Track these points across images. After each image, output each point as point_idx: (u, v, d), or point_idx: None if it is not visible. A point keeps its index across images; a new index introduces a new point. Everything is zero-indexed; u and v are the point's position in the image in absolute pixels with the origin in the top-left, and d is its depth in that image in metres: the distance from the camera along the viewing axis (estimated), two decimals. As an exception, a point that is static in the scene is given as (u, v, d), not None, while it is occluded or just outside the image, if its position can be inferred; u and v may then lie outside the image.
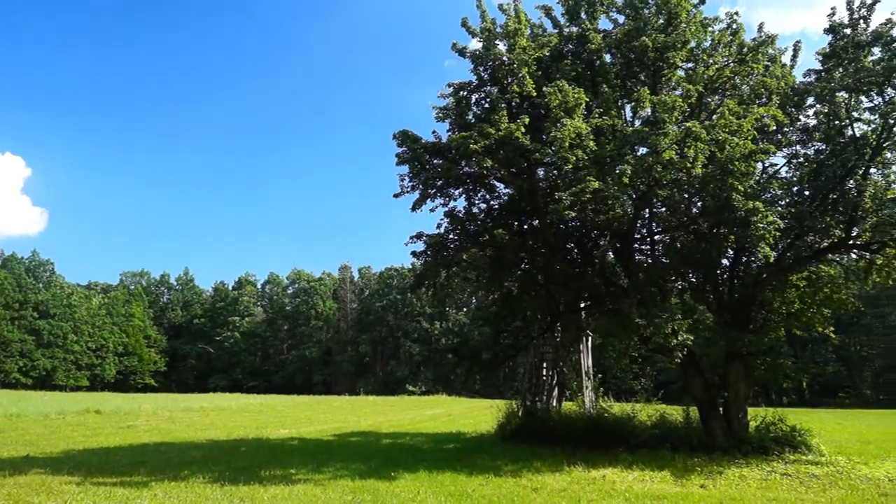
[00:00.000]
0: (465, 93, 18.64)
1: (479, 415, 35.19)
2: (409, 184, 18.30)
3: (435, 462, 16.62)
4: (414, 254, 19.11)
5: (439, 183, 18.19)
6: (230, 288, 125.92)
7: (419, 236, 18.70)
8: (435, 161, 18.23)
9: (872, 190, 17.64)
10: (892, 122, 17.68)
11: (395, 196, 18.52)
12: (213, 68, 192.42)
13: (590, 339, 25.44)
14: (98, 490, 12.23)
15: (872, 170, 18.27)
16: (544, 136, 16.60)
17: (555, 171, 16.62)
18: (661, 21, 18.32)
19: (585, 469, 15.42)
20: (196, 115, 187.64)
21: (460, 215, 18.97)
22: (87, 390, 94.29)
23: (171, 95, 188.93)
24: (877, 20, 17.66)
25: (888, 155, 18.27)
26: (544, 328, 22.91)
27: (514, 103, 17.71)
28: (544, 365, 24.26)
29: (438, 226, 19.18)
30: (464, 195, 19.44)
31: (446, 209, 18.91)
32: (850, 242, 18.68)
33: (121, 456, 17.73)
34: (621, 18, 19.20)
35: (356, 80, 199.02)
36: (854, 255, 20.50)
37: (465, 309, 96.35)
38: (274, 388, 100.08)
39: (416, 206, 17.59)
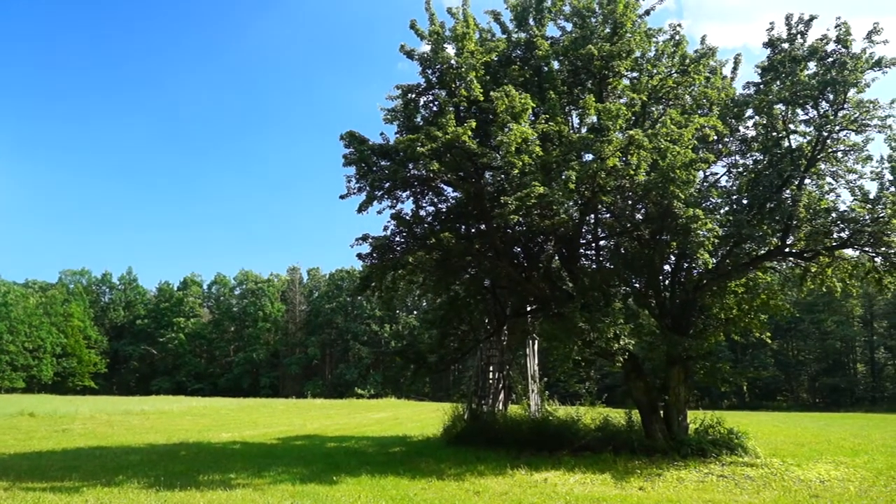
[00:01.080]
0: (414, 95, 18.60)
1: (426, 418, 35.16)
2: (356, 185, 18.17)
3: (378, 466, 16.52)
4: (359, 256, 18.97)
5: (386, 185, 18.10)
6: (175, 288, 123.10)
7: (365, 238, 18.58)
8: (382, 163, 18.14)
9: (807, 200, 18.23)
10: (825, 134, 18.33)
11: (342, 197, 18.37)
12: (156, 60, 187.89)
13: (536, 342, 25.67)
14: (27, 496, 11.80)
15: (807, 180, 18.91)
16: (491, 141, 16.67)
17: (502, 176, 16.69)
18: (608, 30, 18.60)
19: (528, 472, 15.53)
20: (143, 109, 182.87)
21: (407, 218, 18.91)
22: (22, 392, 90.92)
23: (115, 87, 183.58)
24: (813, 36, 18.29)
25: (822, 166, 18.93)
26: (491, 332, 23.03)
27: (461, 107, 17.75)
28: (491, 368, 24.38)
29: (385, 228, 19.12)
30: (411, 198, 19.43)
31: (393, 211, 18.84)
32: (786, 250, 19.28)
33: (53, 460, 17.15)
34: (569, 26, 19.44)
35: (308, 80, 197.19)
36: (790, 263, 21.13)
37: (415, 312, 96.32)
38: (219, 391, 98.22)
39: (363, 207, 17.47)
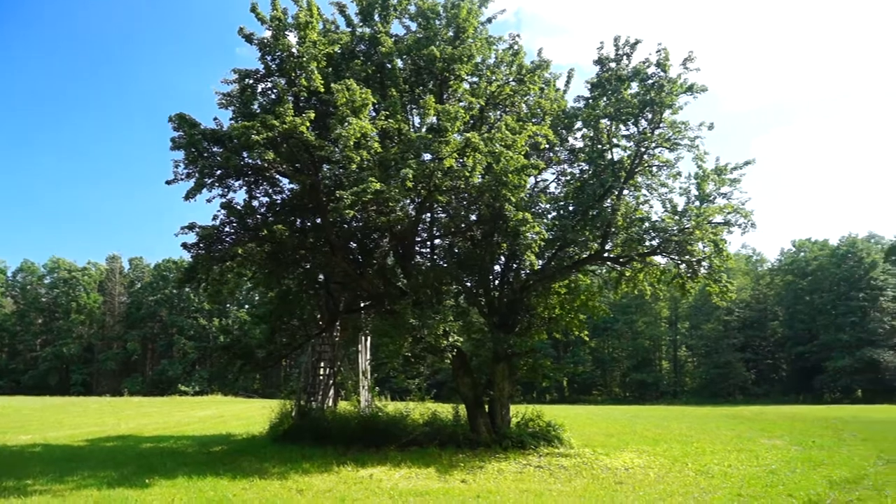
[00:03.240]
0: (252, 81, 17.94)
1: (253, 416, 33.95)
2: (185, 171, 17.19)
3: (197, 467, 15.71)
4: (185, 246, 17.94)
5: (218, 172, 17.32)
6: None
7: (192, 227, 17.58)
8: (214, 149, 17.31)
9: (624, 209, 19.68)
10: (643, 150, 19.84)
11: (168, 183, 17.31)
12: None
13: (368, 338, 25.63)
14: None
15: (625, 191, 20.36)
16: (330, 134, 16.42)
17: (339, 170, 16.50)
18: (451, 34, 18.98)
19: (354, 468, 15.46)
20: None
21: (239, 208, 18.17)
22: None
23: None
24: (637, 58, 19.72)
25: (639, 179, 20.47)
26: (323, 327, 22.70)
27: (301, 97, 17.36)
28: (321, 364, 24.02)
29: (214, 217, 18.24)
30: (244, 187, 18.70)
31: (224, 200, 18.03)
32: (605, 255, 20.67)
33: None
34: (413, 26, 19.62)
35: (137, 61, 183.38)
36: (607, 267, 22.67)
37: (246, 306, 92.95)
38: (23, 388, 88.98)
39: (191, 194, 16.55)
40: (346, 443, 19.23)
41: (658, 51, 19.36)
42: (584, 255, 20.69)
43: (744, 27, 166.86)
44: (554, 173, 21.86)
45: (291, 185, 19.31)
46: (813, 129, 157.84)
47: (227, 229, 18.39)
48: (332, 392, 24.20)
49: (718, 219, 19.61)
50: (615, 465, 16.43)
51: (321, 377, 24.00)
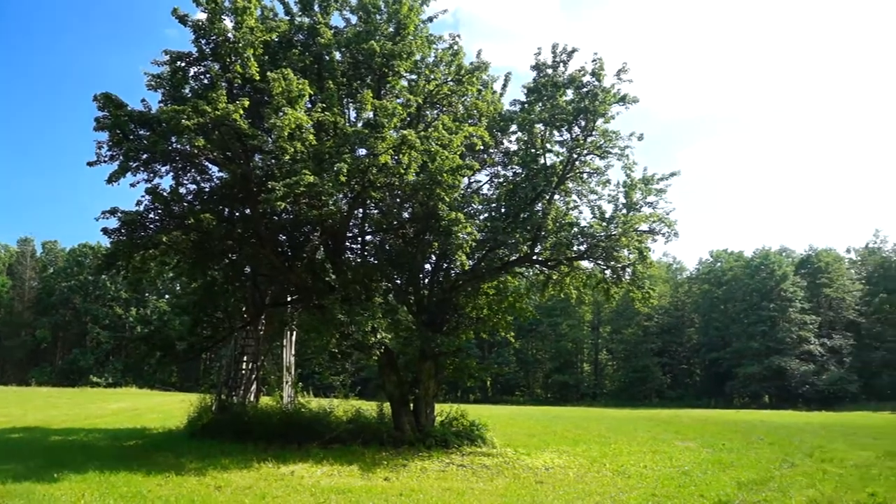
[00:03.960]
0: (184, 64, 17.35)
1: (170, 409, 32.89)
2: (108, 153, 16.55)
3: (109, 461, 15.12)
4: (105, 231, 17.24)
5: (144, 156, 16.70)
6: None
7: (113, 212, 16.92)
8: (141, 132, 16.71)
9: (554, 214, 20.04)
10: (575, 156, 20.25)
11: (90, 164, 16.63)
12: None
13: (294, 333, 25.25)
14: None
15: (556, 196, 20.73)
16: (264, 123, 16.12)
17: (272, 160, 16.20)
18: (391, 29, 18.90)
19: (275, 465, 15.21)
20: None
21: (164, 194, 17.57)
22: None
23: None
24: (574, 66, 20.10)
25: (569, 185, 20.88)
26: (248, 320, 22.23)
27: (235, 84, 16.95)
28: (244, 358, 23.51)
29: (138, 203, 17.57)
30: (171, 173, 18.11)
31: (149, 186, 17.42)
32: (534, 258, 20.99)
33: None
34: (354, 19, 19.45)
35: (58, 36, 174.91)
36: (536, 270, 23.02)
37: (167, 296, 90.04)
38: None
39: (114, 178, 15.91)
40: (268, 439, 18.87)
41: (594, 60, 19.77)
42: (514, 258, 20.95)
43: (675, 41, 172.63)
44: (488, 175, 22.08)
45: (221, 174, 18.84)
46: (734, 143, 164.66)
47: (151, 216, 17.79)
48: (254, 387, 23.73)
49: (644, 227, 20.18)
50: (536, 464, 16.71)
51: (243, 371, 23.50)
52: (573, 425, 30.16)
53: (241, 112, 15.34)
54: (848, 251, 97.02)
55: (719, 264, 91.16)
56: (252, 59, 16.19)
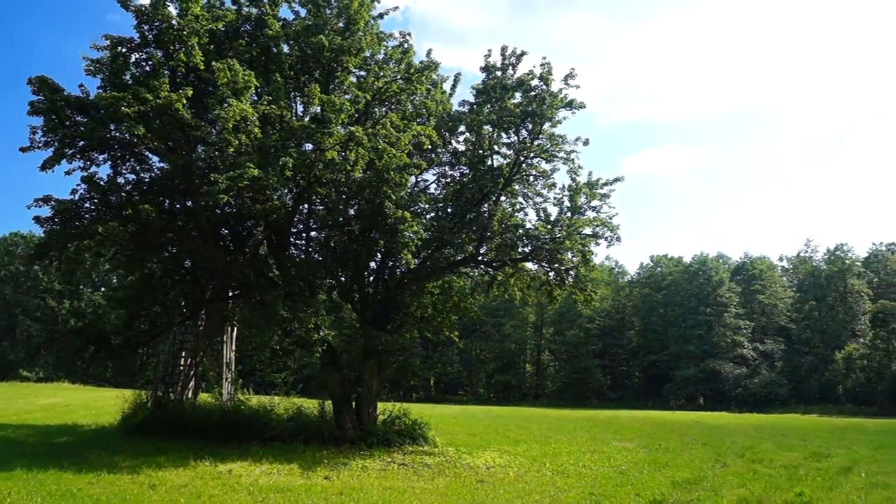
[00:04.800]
0: (125, 49, 16.84)
1: (103, 405, 31.88)
2: (43, 139, 15.98)
3: (38, 458, 14.55)
4: (37, 220, 16.61)
5: (81, 144, 16.19)
6: None
7: (46, 200, 16.32)
8: (78, 118, 16.20)
9: (500, 215, 20.22)
10: (522, 159, 20.45)
11: (23, 150, 16.04)
12: None
13: (235, 329, 24.78)
14: None
15: (503, 197, 20.90)
16: (208, 114, 15.79)
17: (215, 152, 15.88)
18: (341, 24, 18.71)
19: (213, 463, 14.90)
20: None
21: (102, 183, 17.04)
22: None
23: None
24: (522, 69, 20.26)
25: (516, 187, 21.09)
26: (187, 315, 21.71)
27: (179, 72, 16.56)
28: (183, 354, 22.96)
29: (73, 192, 16.98)
30: (109, 162, 17.55)
31: (86, 174, 16.86)
32: (479, 258, 21.13)
33: None
34: (303, 12, 19.18)
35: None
36: (481, 270, 23.16)
37: (102, 289, 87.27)
38: None
39: (48, 165, 15.38)
40: (206, 437, 18.48)
41: (542, 65, 19.99)
42: (460, 258, 21.05)
43: (622, 49, 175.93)
44: (435, 174, 22.07)
45: (162, 164, 18.34)
46: (677, 151, 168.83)
47: (86, 205, 17.22)
48: (192, 383, 23.21)
49: (587, 231, 20.55)
50: (477, 463, 16.78)
51: (182, 367, 22.95)
52: (515, 425, 30.43)
53: (185, 101, 15.03)
54: (781, 259, 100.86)
55: (659, 269, 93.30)
56: (197, 48, 15.85)
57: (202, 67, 15.86)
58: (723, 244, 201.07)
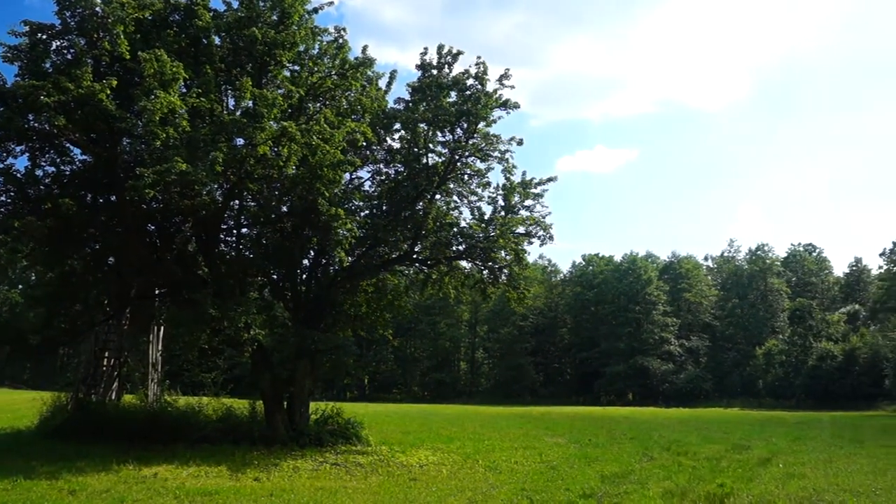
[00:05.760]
0: (45, 36, 16.10)
1: (19, 408, 30.44)
2: (-45, 129, 15.13)
3: (-54, 465, 13.83)
4: (-53, 213, 15.78)
5: (-4, 134, 15.41)
6: None
7: (-43, 194, 15.54)
8: (-7, 107, 15.39)
9: (435, 213, 20.27)
10: (457, 157, 20.55)
11: (-67, 140, 15.16)
12: None
13: (162, 328, 24.04)
14: None
15: (437, 196, 20.95)
16: (134, 106, 15.24)
17: (142, 145, 15.38)
18: (275, 17, 18.32)
19: (137, 467, 14.42)
20: None
21: (18, 176, 16.28)
22: None
23: None
24: (458, 68, 20.36)
25: (451, 185, 21.17)
26: (111, 314, 20.95)
27: (103, 62, 15.97)
28: (106, 354, 22.14)
29: (-11, 184, 16.19)
30: (27, 153, 16.75)
31: (1, 166, 16.08)
32: (414, 256, 21.12)
33: None
34: (235, 3, 18.70)
35: None
36: (415, 268, 23.15)
37: (20, 286, 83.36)
38: None
39: (-39, 156, 14.60)
40: (130, 439, 17.85)
41: (477, 64, 20.13)
42: (394, 256, 21.00)
43: (555, 51, 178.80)
44: (370, 172, 21.93)
45: (84, 157, 17.60)
46: (606, 153, 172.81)
47: (2, 198, 16.49)
48: (116, 384, 22.41)
49: (521, 229, 20.81)
50: (410, 462, 16.79)
51: (105, 368, 22.13)
52: (448, 423, 30.59)
53: (108, 92, 14.46)
54: (706, 259, 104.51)
55: (591, 268, 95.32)
56: (122, 37, 15.26)
57: (128, 57, 15.30)
58: (652, 244, 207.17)
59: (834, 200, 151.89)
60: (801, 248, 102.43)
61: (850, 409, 55.70)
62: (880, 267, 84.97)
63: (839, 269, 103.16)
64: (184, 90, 16.23)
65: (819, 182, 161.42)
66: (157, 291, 20.97)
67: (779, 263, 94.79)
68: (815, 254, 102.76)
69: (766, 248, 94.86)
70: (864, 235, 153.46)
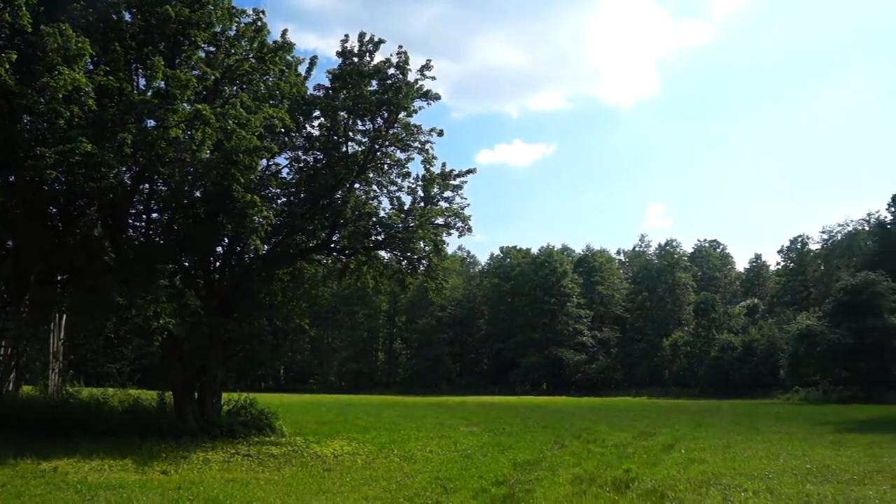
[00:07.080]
0: (-63, 7, 15.07)
1: None
2: None
3: None
4: None
5: None
6: None
7: None
8: None
9: (354, 203, 20.12)
10: (377, 146, 20.49)
11: None
12: None
13: (64, 316, 22.96)
14: None
15: (357, 185, 20.82)
16: (36, 82, 14.46)
17: (44, 124, 14.60)
18: (190, -5, 17.73)
19: (35, 461, 13.72)
20: None
21: None
22: None
23: None
24: (380, 57, 20.25)
25: (370, 175, 21.08)
26: (8, 301, 19.85)
27: (2, 35, 15.04)
28: (2, 343, 20.96)
29: None
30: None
31: None
32: (332, 245, 20.93)
33: None
34: (147, -22, 17.99)
35: None
36: (333, 257, 22.95)
37: None
38: None
39: None
40: (28, 433, 16.95)
41: (398, 54, 20.06)
42: (312, 244, 20.75)
43: (481, 45, 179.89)
44: (287, 159, 21.48)
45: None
46: (523, 147, 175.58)
47: None
48: (13, 375, 21.26)
49: (440, 220, 20.94)
50: (325, 452, 16.70)
51: (1, 358, 20.97)
52: (365, 413, 30.58)
53: (8, 66, 13.65)
54: (618, 253, 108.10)
55: (509, 260, 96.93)
56: (24, 9, 14.40)
57: (30, 31, 14.47)
58: (568, 237, 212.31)
59: (738, 198, 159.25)
60: (707, 244, 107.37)
61: (748, 398, 59.00)
62: (778, 263, 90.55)
63: (741, 264, 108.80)
64: (91, 67, 15.51)
65: (724, 180, 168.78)
66: (58, 277, 20.01)
67: (686, 258, 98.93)
68: (718, 249, 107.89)
69: (674, 243, 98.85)
70: (764, 233, 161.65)
